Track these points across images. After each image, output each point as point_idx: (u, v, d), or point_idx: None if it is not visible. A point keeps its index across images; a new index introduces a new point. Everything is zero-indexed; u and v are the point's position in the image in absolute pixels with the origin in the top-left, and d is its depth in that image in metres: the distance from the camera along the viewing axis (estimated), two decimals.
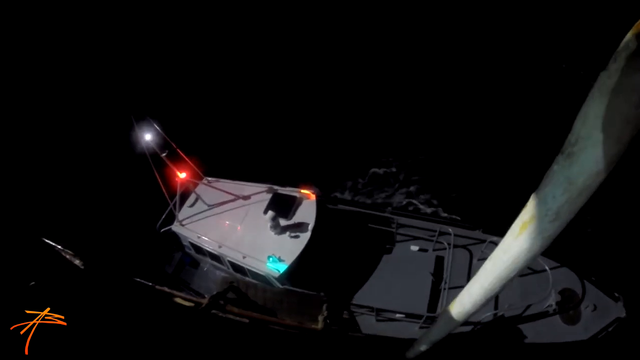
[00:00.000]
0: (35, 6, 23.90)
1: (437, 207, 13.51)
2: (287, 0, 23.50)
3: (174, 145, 10.38)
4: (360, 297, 10.07)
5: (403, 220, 11.16)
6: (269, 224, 10.31)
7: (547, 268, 8.99)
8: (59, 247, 6.76)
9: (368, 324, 9.83)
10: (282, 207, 10.80)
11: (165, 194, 10.87)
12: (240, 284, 8.83)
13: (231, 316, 7.32)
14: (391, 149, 15.75)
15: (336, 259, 10.56)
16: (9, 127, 16.60)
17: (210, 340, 6.28)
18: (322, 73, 19.54)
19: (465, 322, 9.25)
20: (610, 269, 10.37)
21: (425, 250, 10.73)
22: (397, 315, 9.60)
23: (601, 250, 11.04)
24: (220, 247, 10.61)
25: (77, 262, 6.30)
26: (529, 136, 14.62)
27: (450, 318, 4.38)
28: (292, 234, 10.33)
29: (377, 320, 9.74)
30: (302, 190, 11.20)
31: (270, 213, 10.29)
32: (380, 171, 15.19)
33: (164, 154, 10.02)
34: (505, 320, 9.17)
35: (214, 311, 7.29)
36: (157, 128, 10.03)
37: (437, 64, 18.85)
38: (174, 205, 11.27)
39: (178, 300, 7.45)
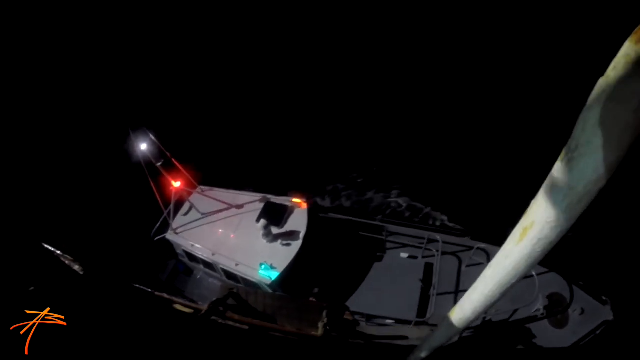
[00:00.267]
0: (27, 15, 23.61)
1: (426, 215, 13.52)
2: (274, 14, 23.46)
3: (169, 155, 10.46)
4: (351, 304, 10.07)
5: (393, 228, 11.21)
6: (261, 232, 10.35)
7: (534, 273, 9.01)
8: (59, 252, 6.66)
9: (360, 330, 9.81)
10: (274, 215, 10.84)
11: (160, 202, 10.98)
12: (240, 291, 8.76)
13: (231, 323, 7.23)
14: (381, 159, 15.80)
15: (328, 267, 10.60)
16: (6, 132, 16.34)
17: (209, 346, 6.18)
18: (313, 82, 19.60)
19: None
20: (598, 273, 10.41)
21: (415, 258, 10.76)
22: (387, 321, 9.54)
23: (589, 254, 11.09)
24: (213, 255, 10.66)
25: (76, 267, 6.19)
26: (515, 144, 14.69)
27: (451, 324, 4.33)
28: (284, 242, 10.36)
29: (368, 326, 9.70)
30: (294, 199, 11.25)
31: (263, 221, 10.35)
32: (371, 180, 15.22)
33: (159, 163, 10.07)
34: (494, 325, 9.16)
35: (213, 318, 7.19)
36: (153, 138, 10.10)
37: (425, 71, 18.88)
38: (169, 213, 11.34)
39: (178, 306, 7.34)
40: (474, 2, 20.98)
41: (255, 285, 10.01)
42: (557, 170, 2.12)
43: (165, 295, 8.66)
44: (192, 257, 11.32)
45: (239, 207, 11.42)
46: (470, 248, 10.29)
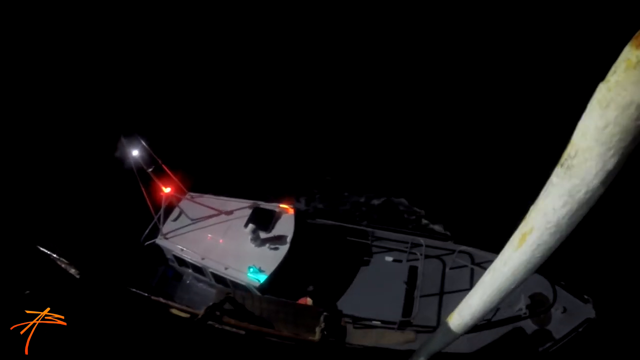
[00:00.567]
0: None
1: (411, 220, 13.58)
2: (264, 21, 23.50)
3: (160, 161, 10.46)
4: (338, 306, 10.04)
5: (378, 232, 11.34)
6: (249, 237, 10.41)
7: None
8: (54, 255, 6.49)
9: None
10: (262, 220, 10.91)
11: (151, 207, 10.94)
12: (237, 295, 8.66)
13: (227, 327, 7.10)
14: (367, 166, 15.88)
15: (315, 271, 10.64)
16: None
17: (206, 351, 6.06)
18: (300, 89, 19.73)
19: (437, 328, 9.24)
20: (580, 273, 10.51)
21: (400, 261, 10.87)
22: (374, 322, 9.54)
23: (570, 254, 11.20)
24: (203, 259, 10.64)
25: (72, 271, 6.02)
26: (496, 150, 14.90)
27: (449, 330, 4.29)
28: (272, 246, 10.44)
29: (355, 328, 9.67)
30: (281, 205, 11.32)
31: (251, 226, 10.41)
32: (357, 186, 15.26)
33: (150, 169, 10.07)
34: (477, 325, 9.17)
35: (210, 322, 7.04)
36: (144, 144, 10.09)
37: (410, 76, 19.06)
38: (159, 218, 11.29)
39: (174, 311, 7.18)
40: (471, 7, 21.12)
41: (244, 288, 9.99)
42: (557, 176, 2.10)
43: (162, 300, 8.52)
44: (181, 262, 11.26)
45: (228, 213, 11.43)
46: (453, 251, 10.44)
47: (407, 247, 10.75)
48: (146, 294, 7.85)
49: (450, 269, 10.45)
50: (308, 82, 19.92)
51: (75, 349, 4.26)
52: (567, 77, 16.18)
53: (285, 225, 10.83)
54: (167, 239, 11.24)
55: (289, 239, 10.46)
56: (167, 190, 10.86)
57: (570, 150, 1.95)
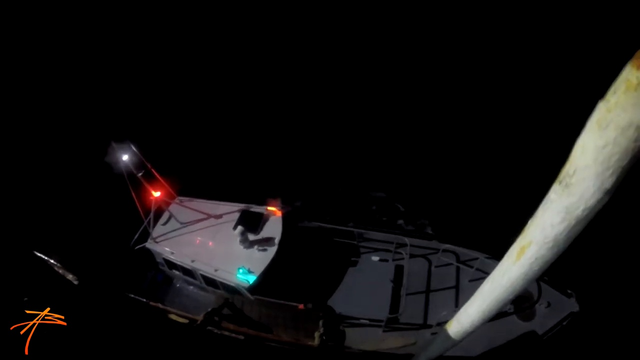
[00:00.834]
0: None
1: (396, 220, 13.60)
2: (250, 26, 23.40)
3: (149, 166, 10.39)
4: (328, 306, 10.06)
5: (365, 233, 11.41)
6: (238, 239, 10.46)
7: None
8: (52, 261, 6.35)
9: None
10: (250, 222, 10.97)
11: (140, 212, 10.83)
12: (236, 301, 8.59)
13: (226, 333, 7.01)
14: (353, 168, 15.87)
15: (304, 271, 10.67)
16: None
17: (205, 357, 5.97)
18: (289, 92, 19.73)
19: (424, 325, 9.26)
20: (563, 267, 10.62)
21: (386, 260, 10.94)
22: (362, 321, 9.57)
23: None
24: (192, 261, 10.61)
25: (70, 277, 5.89)
26: (480, 151, 15.05)
27: (448, 337, 4.30)
28: (260, 248, 10.49)
29: (343, 327, 9.69)
30: (269, 207, 11.39)
31: (240, 228, 10.48)
32: (343, 188, 15.22)
33: (140, 174, 10.00)
34: None
35: (209, 328, 6.96)
36: (134, 149, 9.98)
37: (394, 78, 19.15)
38: (148, 222, 11.23)
39: (173, 316, 7.08)
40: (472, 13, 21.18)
41: (234, 290, 10.04)
42: (555, 193, 2.10)
43: (160, 306, 8.41)
44: (171, 265, 11.21)
45: (217, 216, 11.45)
46: (438, 250, 10.55)
47: (392, 247, 10.84)
48: (144, 300, 7.77)
49: (436, 267, 10.56)
50: (294, 85, 19.94)
51: (75, 349, 4.18)
52: (552, 78, 16.52)
53: (273, 228, 10.90)
54: (157, 242, 11.18)
55: (277, 241, 10.54)
56: (156, 194, 10.79)
57: (568, 168, 1.94)
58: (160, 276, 11.91)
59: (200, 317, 7.25)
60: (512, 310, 9.17)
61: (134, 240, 11.50)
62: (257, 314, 9.19)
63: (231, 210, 11.50)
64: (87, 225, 13.18)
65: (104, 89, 20.09)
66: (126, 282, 11.23)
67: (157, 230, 11.40)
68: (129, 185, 9.88)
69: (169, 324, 6.87)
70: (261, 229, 10.92)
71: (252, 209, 11.43)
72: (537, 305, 9.13)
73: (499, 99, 16.81)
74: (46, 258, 6.23)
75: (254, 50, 22.37)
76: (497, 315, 8.83)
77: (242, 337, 7.04)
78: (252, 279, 9.76)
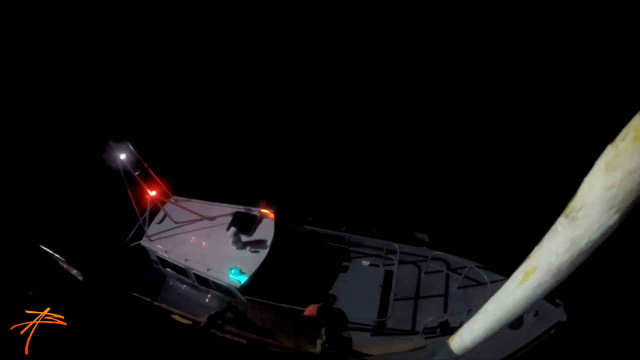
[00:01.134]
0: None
1: (387, 226, 13.64)
2: (250, 27, 23.32)
3: (146, 165, 10.39)
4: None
5: (356, 238, 11.46)
6: (231, 239, 10.49)
7: (487, 281, 9.27)
8: (57, 255, 6.30)
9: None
10: (243, 224, 11.01)
11: (136, 210, 10.85)
12: (239, 304, 8.55)
13: (229, 336, 6.99)
14: (345, 173, 15.90)
15: (296, 274, 10.66)
16: None
17: (207, 359, 5.98)
18: (284, 94, 19.65)
19: (412, 330, 9.30)
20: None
21: (377, 266, 10.98)
22: (350, 325, 9.61)
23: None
24: (186, 260, 10.60)
25: (74, 272, 5.85)
26: (472, 157, 15.16)
27: (450, 352, 4.40)
28: (253, 249, 10.52)
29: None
30: (262, 210, 11.42)
31: (233, 229, 10.55)
32: (336, 193, 15.24)
33: (136, 173, 9.99)
34: (450, 327, 9.31)
35: (212, 330, 6.93)
36: (132, 148, 9.96)
37: (387, 83, 19.18)
38: (144, 221, 11.22)
39: (176, 317, 7.04)
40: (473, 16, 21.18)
41: (225, 290, 10.05)
42: (561, 225, 2.20)
43: (164, 306, 8.37)
44: (165, 263, 11.19)
45: (211, 217, 11.45)
46: (427, 257, 10.61)
47: (383, 253, 10.90)
48: (148, 299, 7.73)
49: (425, 273, 10.61)
50: (290, 87, 19.88)
51: (75, 349, 4.18)
52: (543, 84, 16.68)
53: (266, 230, 10.93)
54: (151, 240, 11.16)
55: (269, 243, 10.57)
56: (152, 193, 10.83)
57: (575, 203, 2.04)
58: (154, 274, 11.85)
59: (203, 320, 7.24)
60: None
61: (129, 237, 11.46)
62: (260, 318, 9.21)
63: (225, 210, 11.52)
64: (84, 221, 13.07)
65: (102, 88, 19.93)
66: (121, 279, 11.16)
67: (152, 229, 11.38)
68: (125, 183, 9.86)
69: (171, 324, 6.85)
70: (254, 230, 10.94)
71: (245, 211, 11.45)
72: (525, 314, 9.06)
73: (490, 105, 16.95)
74: (51, 252, 6.19)
75: (250, 54, 22.22)
76: None
77: (244, 341, 7.05)
78: (243, 279, 9.79)
